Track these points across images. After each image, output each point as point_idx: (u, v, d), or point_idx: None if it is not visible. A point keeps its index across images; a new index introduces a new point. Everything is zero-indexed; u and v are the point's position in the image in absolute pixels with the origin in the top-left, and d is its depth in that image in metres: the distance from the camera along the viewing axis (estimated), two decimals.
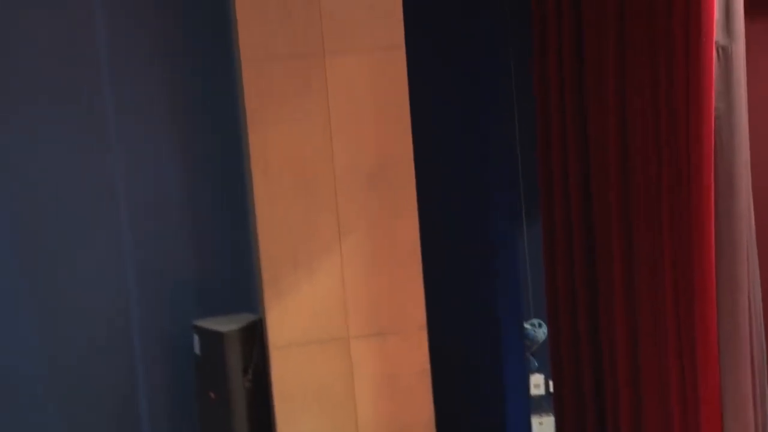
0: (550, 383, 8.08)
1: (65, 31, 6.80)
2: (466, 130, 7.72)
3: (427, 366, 6.89)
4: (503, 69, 7.76)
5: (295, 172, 6.56)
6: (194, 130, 7.07)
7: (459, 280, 7.75)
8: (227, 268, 7.12)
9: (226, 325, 6.69)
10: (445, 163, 7.56)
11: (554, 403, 7.73)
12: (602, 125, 6.59)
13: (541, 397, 8.40)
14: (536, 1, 7.18)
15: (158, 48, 6.99)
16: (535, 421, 8.39)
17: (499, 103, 7.76)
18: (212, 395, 6.79)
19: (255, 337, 6.71)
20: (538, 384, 8.44)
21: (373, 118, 6.65)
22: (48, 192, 6.85)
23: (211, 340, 6.70)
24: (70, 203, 6.87)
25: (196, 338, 6.85)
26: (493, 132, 7.84)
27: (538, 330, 8.25)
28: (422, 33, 7.12)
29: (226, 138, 6.93)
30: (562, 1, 6.89)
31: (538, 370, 8.39)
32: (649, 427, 6.45)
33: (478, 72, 7.69)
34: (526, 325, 8.35)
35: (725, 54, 5.71)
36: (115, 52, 6.85)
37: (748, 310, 5.93)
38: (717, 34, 5.66)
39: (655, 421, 6.37)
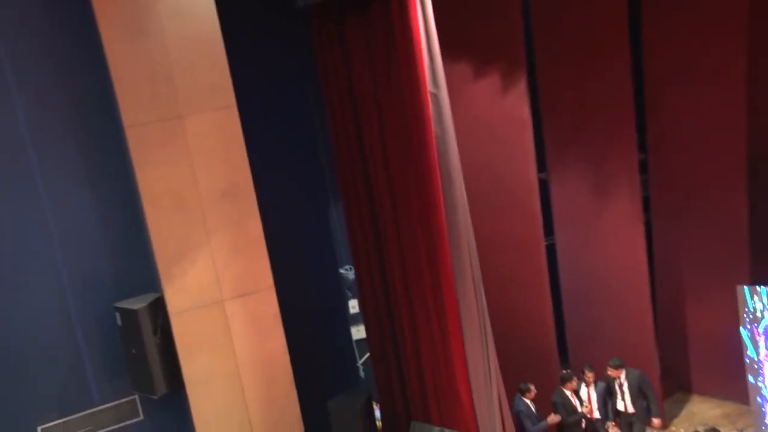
0: None
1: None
2: (289, 152, 8.45)
3: (277, 311, 7.71)
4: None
5: (172, 197, 7.17)
6: (101, 178, 7.45)
7: (293, 248, 8.49)
8: (135, 265, 7.54)
9: (138, 303, 7.32)
10: (277, 180, 8.23)
11: (362, 316, 8.68)
12: (371, 141, 7.53)
13: (356, 314, 9.28)
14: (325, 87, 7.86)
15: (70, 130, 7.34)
16: (353, 329, 9.44)
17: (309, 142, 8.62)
18: (134, 351, 7.39)
19: (158, 309, 7.36)
20: (354, 306, 9.38)
21: (221, 156, 7.31)
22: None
23: (129, 315, 7.31)
24: (15, 241, 7.22)
25: (117, 315, 7.42)
26: (308, 154, 8.65)
27: (349, 272, 9.17)
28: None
29: (124, 182, 7.36)
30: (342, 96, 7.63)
31: (353, 297, 9.30)
32: (420, 325, 7.48)
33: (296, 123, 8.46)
34: (342, 270, 9.33)
35: (435, 98, 6.85)
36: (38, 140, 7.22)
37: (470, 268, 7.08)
38: (429, 86, 6.82)
39: (424, 330, 7.45)
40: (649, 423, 8.16)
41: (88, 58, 7.15)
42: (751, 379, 8.26)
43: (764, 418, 8.27)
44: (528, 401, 7.93)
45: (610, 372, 8.11)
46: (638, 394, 8.07)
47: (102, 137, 7.33)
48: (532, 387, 7.96)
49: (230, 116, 7.25)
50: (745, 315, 8.11)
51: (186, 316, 7.34)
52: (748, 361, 8.25)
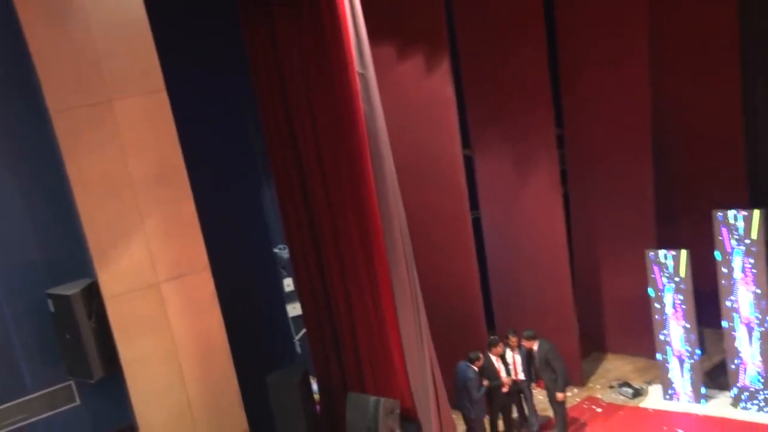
0: None
1: None
2: (221, 134, 8.33)
3: (213, 291, 7.61)
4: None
5: (103, 182, 6.94)
6: (28, 165, 7.12)
7: (227, 229, 8.38)
8: (67, 251, 7.29)
9: (71, 289, 7.09)
10: (209, 162, 8.09)
11: (297, 294, 8.71)
12: (301, 121, 7.49)
13: (291, 292, 9.30)
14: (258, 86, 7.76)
15: None
16: (289, 306, 9.43)
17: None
18: (68, 336, 7.17)
19: (93, 294, 7.15)
20: (289, 284, 9.37)
21: (152, 139, 7.12)
22: None
23: (62, 301, 7.08)
24: None
25: (50, 301, 7.18)
26: (240, 136, 8.49)
27: (283, 251, 9.15)
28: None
29: (52, 168, 7.03)
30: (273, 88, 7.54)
31: (288, 276, 9.25)
32: (354, 300, 7.53)
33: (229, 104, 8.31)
34: (276, 250, 9.28)
35: (363, 78, 6.86)
36: None
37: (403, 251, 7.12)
38: (357, 66, 6.81)
39: (358, 304, 7.54)
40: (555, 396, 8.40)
41: (9, 44, 6.78)
42: (657, 334, 8.76)
43: (668, 371, 8.78)
44: (476, 369, 8.13)
45: (524, 343, 8.38)
46: (546, 366, 8.32)
47: (28, 123, 7.00)
48: (482, 356, 8.18)
49: (160, 100, 7.06)
50: (656, 273, 8.56)
51: (121, 299, 7.17)
52: (657, 317, 8.72)
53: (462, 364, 8.14)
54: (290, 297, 9.35)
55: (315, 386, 8.72)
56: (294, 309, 9.32)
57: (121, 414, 7.61)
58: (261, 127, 8.06)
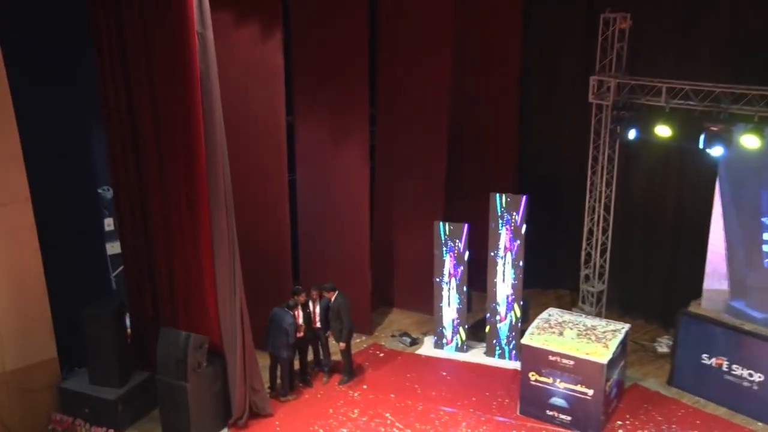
0: None
1: None
2: (53, 70, 8.02)
3: (32, 222, 7.49)
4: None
5: None
6: None
7: (53, 165, 8.21)
8: None
9: None
10: (39, 96, 7.81)
11: (118, 234, 8.66)
12: (138, 72, 7.51)
13: (112, 231, 9.27)
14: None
15: None
16: (108, 245, 9.45)
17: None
18: None
19: None
20: (109, 224, 9.35)
21: None
22: None
23: None
24: None
25: None
26: (71, 73, 8.24)
27: (107, 192, 9.12)
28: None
29: None
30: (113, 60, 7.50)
31: (109, 216, 9.19)
32: (174, 243, 7.68)
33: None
34: (99, 190, 9.22)
35: (202, 38, 7.05)
36: None
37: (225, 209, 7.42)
38: (197, 26, 6.97)
39: (178, 247, 7.71)
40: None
41: None
42: (436, 291, 9.92)
43: (441, 324, 9.99)
44: (294, 315, 8.62)
45: (324, 293, 9.01)
46: (336, 317, 9.01)
47: None
48: (299, 304, 8.70)
49: None
50: (440, 241, 9.66)
51: None
52: (437, 279, 9.86)
53: (280, 310, 8.60)
54: (110, 236, 9.32)
55: (128, 321, 8.79)
56: (113, 248, 9.31)
57: None
58: (96, 70, 7.93)
